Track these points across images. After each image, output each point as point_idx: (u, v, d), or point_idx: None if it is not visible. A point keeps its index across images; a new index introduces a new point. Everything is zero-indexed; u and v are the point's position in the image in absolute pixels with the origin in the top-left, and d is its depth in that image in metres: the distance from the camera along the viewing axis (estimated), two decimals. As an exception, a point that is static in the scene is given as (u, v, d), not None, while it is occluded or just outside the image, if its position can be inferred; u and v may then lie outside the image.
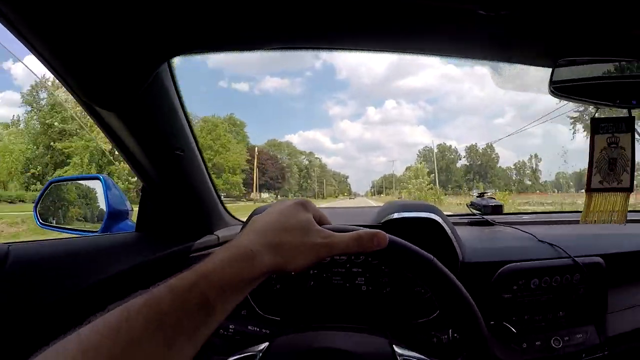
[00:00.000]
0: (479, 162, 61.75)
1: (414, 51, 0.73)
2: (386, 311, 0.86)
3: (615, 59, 0.68)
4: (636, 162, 0.75)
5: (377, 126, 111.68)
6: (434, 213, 0.91)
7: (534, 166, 60.28)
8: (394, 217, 0.91)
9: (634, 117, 0.73)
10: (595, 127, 0.74)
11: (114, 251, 0.85)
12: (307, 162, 69.83)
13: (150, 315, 0.33)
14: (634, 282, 0.97)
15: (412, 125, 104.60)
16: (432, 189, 33.78)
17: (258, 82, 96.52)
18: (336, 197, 70.54)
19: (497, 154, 62.51)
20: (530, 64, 0.75)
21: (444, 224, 0.89)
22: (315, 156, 74.66)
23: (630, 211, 0.76)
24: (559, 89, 0.69)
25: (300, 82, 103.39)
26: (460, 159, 64.87)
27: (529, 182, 58.03)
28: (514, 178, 60.47)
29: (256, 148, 47.79)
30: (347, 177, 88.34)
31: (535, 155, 60.30)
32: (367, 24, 0.64)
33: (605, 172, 0.75)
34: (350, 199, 64.98)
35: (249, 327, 0.83)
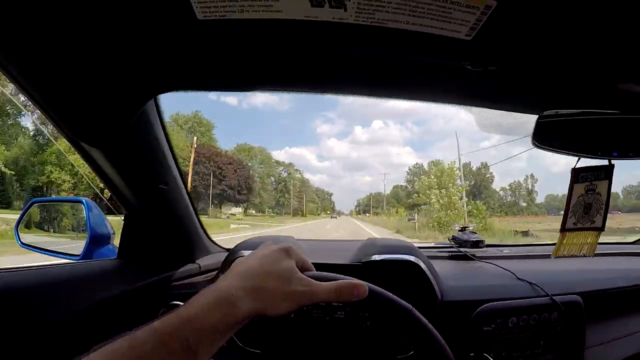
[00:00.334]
0: (473, 182, 58.47)
1: (406, 99, 0.75)
2: (365, 346, 0.86)
3: (597, 111, 0.70)
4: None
5: (363, 145, 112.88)
6: (412, 255, 0.92)
7: (530, 187, 57.89)
8: (374, 259, 0.92)
9: (614, 165, 0.74)
10: (575, 177, 0.76)
11: (97, 279, 0.85)
12: (285, 175, 61.90)
13: (133, 358, 0.35)
14: (611, 317, 1.00)
15: (398, 146, 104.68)
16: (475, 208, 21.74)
17: (247, 97, 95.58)
18: (318, 214, 64.54)
19: (491, 173, 59.26)
20: (518, 112, 0.77)
21: (422, 266, 0.90)
22: (295, 168, 66.28)
23: (605, 243, 0.78)
24: (541, 141, 0.71)
25: (289, 98, 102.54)
26: (453, 177, 61.99)
27: (524, 204, 55.86)
28: (508, 199, 57.45)
29: (194, 138, 35.48)
30: (331, 195, 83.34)
31: (532, 176, 57.42)
32: (361, 75, 0.66)
33: (580, 215, 0.78)
34: (332, 217, 57.92)
35: None
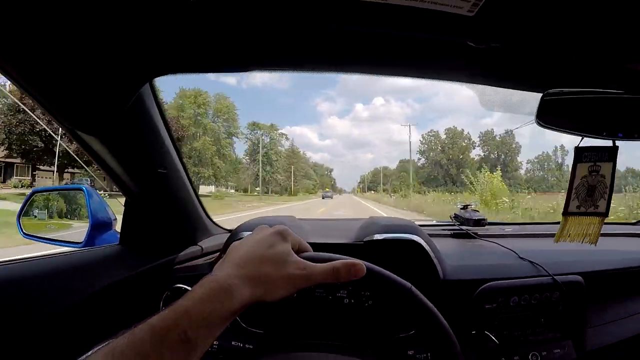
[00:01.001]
0: (496, 153, 52.47)
1: (409, 76, 0.74)
2: (367, 325, 0.87)
3: (602, 91, 0.69)
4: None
5: (364, 123, 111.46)
6: (415, 234, 0.92)
7: (560, 160, 52.25)
8: (376, 238, 0.91)
9: (617, 147, 0.73)
10: (579, 156, 0.74)
11: (100, 265, 0.86)
12: (267, 141, 48.56)
13: (133, 357, 0.35)
14: (612, 297, 1.00)
15: (400, 123, 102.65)
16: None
17: (245, 77, 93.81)
18: (314, 192, 56.05)
19: (517, 143, 51.90)
20: (521, 90, 0.76)
21: (425, 245, 0.89)
22: (280, 132, 52.37)
23: (611, 223, 0.77)
24: (545, 120, 0.69)
25: (289, 77, 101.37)
26: (474, 148, 55.37)
27: (553, 179, 50.01)
28: (535, 174, 50.60)
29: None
30: (331, 170, 75.96)
31: (562, 147, 51.40)
32: (362, 53, 0.64)
33: (583, 198, 0.76)
34: (324, 197, 44.62)
35: (233, 343, 0.84)
